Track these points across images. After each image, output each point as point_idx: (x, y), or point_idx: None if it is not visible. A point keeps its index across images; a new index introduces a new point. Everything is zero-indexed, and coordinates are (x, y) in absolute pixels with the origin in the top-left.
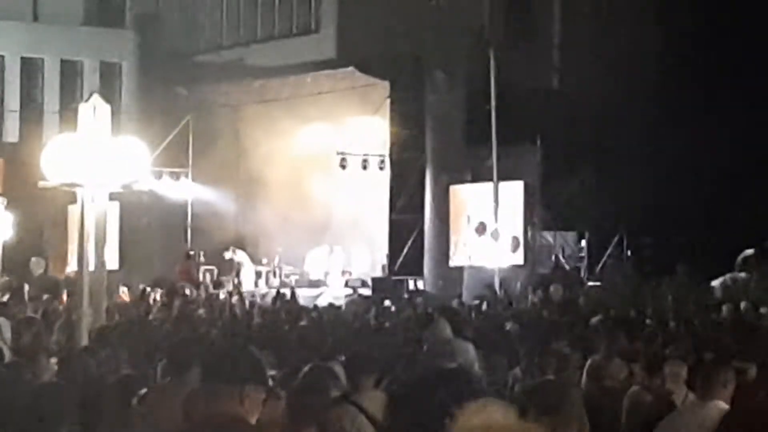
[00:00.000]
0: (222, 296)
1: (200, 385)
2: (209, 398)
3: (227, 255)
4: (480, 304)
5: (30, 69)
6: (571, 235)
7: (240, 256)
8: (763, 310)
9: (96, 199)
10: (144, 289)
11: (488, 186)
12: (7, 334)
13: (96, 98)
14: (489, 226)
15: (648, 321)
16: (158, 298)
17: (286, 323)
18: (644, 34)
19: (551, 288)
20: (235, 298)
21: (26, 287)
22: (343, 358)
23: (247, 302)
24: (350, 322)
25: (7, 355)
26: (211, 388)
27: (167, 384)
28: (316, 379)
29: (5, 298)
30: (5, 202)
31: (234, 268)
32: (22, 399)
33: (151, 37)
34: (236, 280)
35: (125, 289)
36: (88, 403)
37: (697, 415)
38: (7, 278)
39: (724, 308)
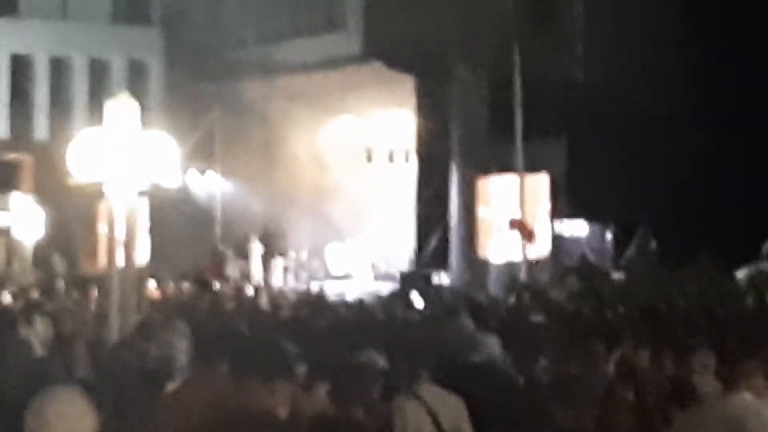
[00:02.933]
0: (250, 290)
1: (230, 379)
2: (239, 391)
3: (252, 248)
4: (506, 297)
5: (58, 67)
6: (596, 227)
7: (255, 245)
8: None
9: (125, 195)
10: (171, 285)
11: (514, 178)
12: (42, 331)
13: (124, 95)
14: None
15: (673, 312)
16: (186, 292)
17: (313, 317)
18: (669, 23)
19: (567, 279)
20: (263, 296)
21: (62, 283)
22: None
23: (275, 296)
24: (377, 315)
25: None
26: (241, 381)
27: (198, 377)
28: (357, 372)
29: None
30: (36, 200)
31: (249, 258)
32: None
33: (179, 34)
34: (252, 272)
35: (154, 284)
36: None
37: (721, 406)
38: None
39: (748, 298)
